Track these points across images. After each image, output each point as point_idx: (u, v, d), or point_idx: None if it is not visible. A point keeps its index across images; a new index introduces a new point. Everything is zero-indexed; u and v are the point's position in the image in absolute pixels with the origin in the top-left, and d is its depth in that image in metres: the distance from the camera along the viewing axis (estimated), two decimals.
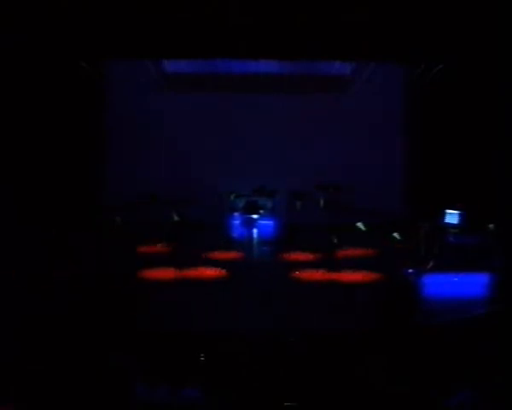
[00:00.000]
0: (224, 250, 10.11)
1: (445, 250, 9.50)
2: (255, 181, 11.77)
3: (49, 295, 7.47)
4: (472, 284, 7.97)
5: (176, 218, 11.06)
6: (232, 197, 11.74)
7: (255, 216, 10.22)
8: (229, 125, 12.85)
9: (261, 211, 10.36)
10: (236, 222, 11.09)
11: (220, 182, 12.43)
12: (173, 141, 12.81)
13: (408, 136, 12.90)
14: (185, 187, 11.88)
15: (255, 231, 10.29)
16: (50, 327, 6.15)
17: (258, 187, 11.61)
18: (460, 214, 10.15)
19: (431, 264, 9.12)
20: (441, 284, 7.97)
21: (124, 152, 12.77)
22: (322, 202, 11.76)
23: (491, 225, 9.45)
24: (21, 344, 5.73)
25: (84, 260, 9.39)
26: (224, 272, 8.89)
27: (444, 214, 10.30)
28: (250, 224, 10.23)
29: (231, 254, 9.98)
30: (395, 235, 9.59)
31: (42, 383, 5.02)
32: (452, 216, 10.23)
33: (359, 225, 9.90)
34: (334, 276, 8.67)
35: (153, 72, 12.20)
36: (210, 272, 8.87)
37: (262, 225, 10.51)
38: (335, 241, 10.38)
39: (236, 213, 11.20)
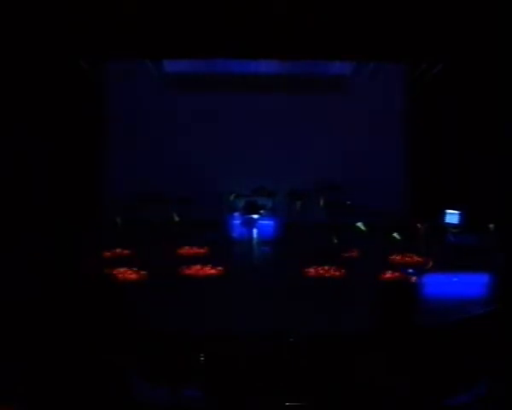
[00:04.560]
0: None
1: (444, 250, 9.53)
2: (255, 181, 11.77)
3: (50, 295, 7.47)
4: (472, 284, 7.97)
5: (176, 218, 11.06)
6: (232, 197, 11.74)
7: (255, 216, 10.21)
8: (229, 125, 12.85)
9: (261, 211, 10.35)
10: (236, 222, 11.09)
11: (220, 182, 12.44)
12: (173, 141, 12.81)
13: (408, 136, 12.90)
14: (185, 187, 11.87)
15: (255, 231, 10.28)
16: (50, 327, 6.15)
17: (258, 187, 11.62)
18: (460, 214, 10.16)
19: (431, 264, 9.14)
20: (441, 284, 7.96)
21: (124, 152, 12.76)
22: (322, 202, 11.76)
23: (491, 225, 9.46)
24: (21, 343, 5.74)
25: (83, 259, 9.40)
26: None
27: (444, 214, 10.31)
28: (250, 224, 10.22)
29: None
30: (395, 235, 9.60)
31: (42, 383, 5.01)
32: (452, 216, 10.24)
33: (359, 225, 9.91)
34: None
35: (153, 72, 12.20)
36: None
37: (262, 225, 10.51)
38: (335, 241, 10.39)
39: (236, 213, 11.19)
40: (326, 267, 8.95)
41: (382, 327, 6.12)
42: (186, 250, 10.27)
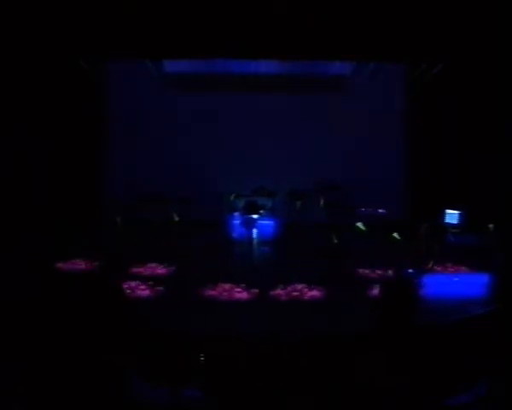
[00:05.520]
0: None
1: (444, 250, 9.52)
2: (255, 181, 11.77)
3: (50, 294, 7.47)
4: (472, 284, 7.97)
5: (176, 218, 11.07)
6: (232, 197, 11.75)
7: (255, 216, 10.21)
8: (229, 125, 12.85)
9: (261, 211, 10.36)
10: (236, 222, 11.09)
11: (220, 182, 12.44)
12: (173, 141, 12.81)
13: (408, 136, 12.91)
14: (185, 187, 11.88)
15: (255, 231, 10.29)
16: (50, 327, 6.16)
17: (258, 187, 11.62)
18: (460, 214, 10.16)
19: (431, 264, 9.13)
20: (441, 284, 7.96)
21: (124, 152, 12.77)
22: (322, 202, 11.76)
23: (491, 225, 9.46)
24: (21, 343, 5.74)
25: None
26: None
27: (444, 214, 10.31)
28: (250, 224, 10.22)
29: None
30: (395, 235, 9.60)
31: (42, 383, 5.02)
32: (452, 216, 10.25)
33: (359, 225, 9.91)
34: None
35: (153, 72, 12.20)
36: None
37: (262, 225, 10.52)
38: (335, 241, 10.39)
39: (236, 213, 11.20)
40: (299, 287, 7.85)
41: (382, 327, 6.12)
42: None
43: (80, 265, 9.09)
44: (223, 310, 7.28)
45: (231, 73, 12.57)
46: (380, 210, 11.22)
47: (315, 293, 7.80)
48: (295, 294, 7.74)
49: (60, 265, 9.02)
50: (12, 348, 5.66)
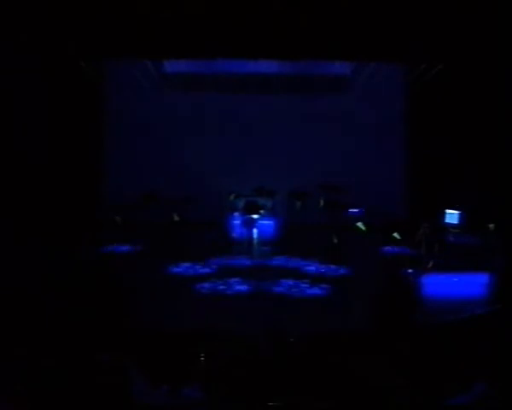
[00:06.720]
0: None
1: (444, 250, 9.52)
2: (255, 181, 11.77)
3: (51, 294, 7.47)
4: (472, 284, 7.97)
5: (176, 218, 11.06)
6: (232, 197, 11.74)
7: (255, 216, 10.21)
8: (229, 126, 12.86)
9: (261, 211, 10.36)
10: (236, 222, 11.09)
11: (220, 182, 12.44)
12: (173, 141, 12.81)
13: (408, 136, 12.91)
14: (185, 187, 11.87)
15: (255, 231, 10.28)
16: (51, 327, 6.16)
17: (258, 187, 11.62)
18: (460, 214, 10.16)
19: (431, 264, 9.13)
20: (441, 284, 7.96)
21: (124, 152, 12.77)
22: (322, 202, 11.75)
23: (491, 225, 9.46)
24: (21, 343, 5.74)
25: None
26: None
27: (444, 214, 10.31)
28: (250, 224, 10.22)
29: None
30: (395, 235, 9.59)
31: (42, 383, 5.02)
32: (452, 216, 10.25)
33: (359, 225, 9.91)
34: None
35: (153, 72, 12.20)
36: None
37: (262, 225, 10.51)
38: (335, 241, 10.39)
39: (236, 213, 11.20)
40: None
41: (382, 327, 6.13)
42: None
43: None
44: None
45: (231, 74, 12.57)
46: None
47: None
48: None
49: None
50: (12, 348, 5.66)
